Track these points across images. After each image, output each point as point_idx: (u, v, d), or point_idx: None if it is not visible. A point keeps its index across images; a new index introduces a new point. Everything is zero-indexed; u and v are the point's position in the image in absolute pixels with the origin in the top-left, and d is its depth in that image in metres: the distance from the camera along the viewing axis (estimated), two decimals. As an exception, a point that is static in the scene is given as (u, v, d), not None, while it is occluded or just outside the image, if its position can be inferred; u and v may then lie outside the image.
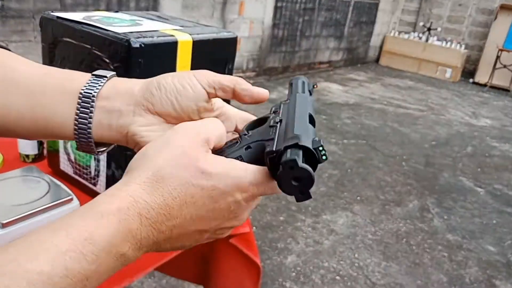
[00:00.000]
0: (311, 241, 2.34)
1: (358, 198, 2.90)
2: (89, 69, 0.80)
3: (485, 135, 4.76)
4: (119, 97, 0.40)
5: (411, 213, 2.80)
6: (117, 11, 1.05)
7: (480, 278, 2.27)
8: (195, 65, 0.93)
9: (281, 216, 2.53)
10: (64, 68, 0.45)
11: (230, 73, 1.14)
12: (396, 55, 7.75)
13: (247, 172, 0.34)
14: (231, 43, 1.06)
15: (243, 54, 5.28)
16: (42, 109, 0.40)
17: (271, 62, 5.76)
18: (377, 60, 8.05)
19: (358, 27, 7.07)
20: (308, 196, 0.32)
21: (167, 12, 4.20)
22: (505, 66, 6.90)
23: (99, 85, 0.40)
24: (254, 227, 2.38)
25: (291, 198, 2.53)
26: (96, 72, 0.41)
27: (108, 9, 3.73)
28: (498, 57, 6.93)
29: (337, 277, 2.09)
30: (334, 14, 6.36)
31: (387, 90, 6.15)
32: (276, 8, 5.39)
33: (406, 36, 7.77)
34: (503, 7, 7.24)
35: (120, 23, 0.88)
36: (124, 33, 0.79)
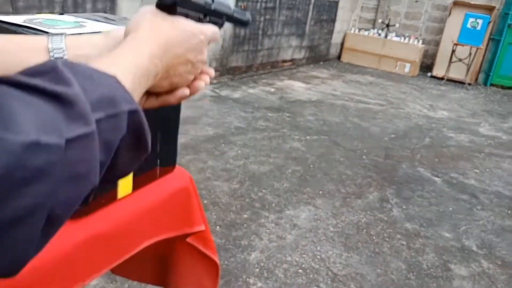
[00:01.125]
0: (274, 236, 2.39)
1: (320, 192, 2.97)
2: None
3: (442, 126, 4.96)
4: (88, 45, 0.48)
5: (371, 205, 2.89)
6: (62, 14, 1.04)
7: (436, 263, 2.38)
8: None
9: (245, 214, 2.57)
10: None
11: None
12: (357, 52, 7.95)
13: (203, 26, 0.51)
14: None
15: (205, 54, 5.28)
16: (15, 67, 0.43)
17: (234, 61, 5.79)
18: (338, 57, 8.23)
19: (319, 25, 7.20)
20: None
21: (126, 14, 4.15)
22: (460, 60, 7.21)
23: (62, 39, 0.48)
24: (218, 227, 2.40)
25: (255, 196, 2.56)
26: (51, 32, 0.47)
27: (63, 11, 3.65)
28: (453, 51, 7.22)
29: (300, 270, 2.14)
30: (295, 13, 6.45)
31: (349, 86, 6.30)
32: (236, 7, 5.41)
33: (366, 33, 7.98)
34: (456, 3, 7.57)
35: (62, 26, 0.87)
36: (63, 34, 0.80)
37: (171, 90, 0.51)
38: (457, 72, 7.37)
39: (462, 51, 7.16)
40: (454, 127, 4.97)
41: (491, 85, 7.64)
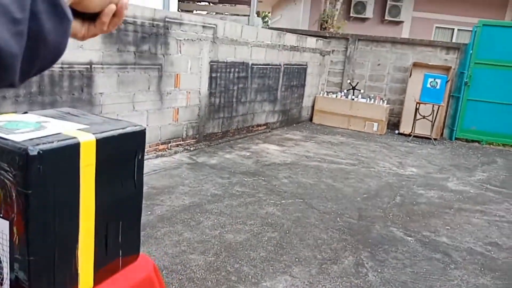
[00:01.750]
0: (252, 310, 2.38)
1: (297, 259, 3.00)
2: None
3: (412, 183, 5.14)
4: None
5: (347, 270, 2.93)
6: (26, 112, 1.09)
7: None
8: (100, 162, 0.97)
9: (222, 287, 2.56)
10: None
11: (140, 163, 1.20)
12: (327, 113, 8.31)
13: None
14: (140, 135, 1.13)
15: (182, 122, 5.43)
16: None
17: (211, 128, 5.96)
18: (310, 119, 8.56)
19: (290, 91, 7.56)
20: None
21: (103, 89, 4.29)
22: (424, 117, 7.61)
23: None
24: (195, 303, 2.38)
25: (231, 268, 2.56)
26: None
27: (40, 90, 3.76)
28: (417, 109, 7.64)
29: None
30: (266, 81, 6.79)
31: (321, 147, 6.52)
32: (211, 78, 5.68)
33: (334, 95, 8.40)
34: (415, 65, 8.13)
35: (23, 128, 0.92)
36: (23, 140, 0.83)
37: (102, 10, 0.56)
38: (423, 128, 7.75)
39: (425, 109, 7.59)
40: (423, 184, 5.15)
41: (456, 139, 8.03)
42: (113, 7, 0.56)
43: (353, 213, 4.01)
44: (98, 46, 4.17)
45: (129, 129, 1.03)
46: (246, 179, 4.65)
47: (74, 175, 0.88)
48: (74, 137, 0.89)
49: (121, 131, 1.00)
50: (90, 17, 0.56)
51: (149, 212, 3.52)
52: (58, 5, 0.43)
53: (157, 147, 5.15)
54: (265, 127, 7.18)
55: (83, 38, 0.57)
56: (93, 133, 0.93)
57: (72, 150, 0.88)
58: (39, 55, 0.42)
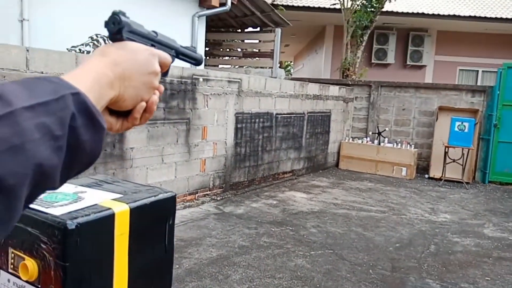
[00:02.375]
0: None
1: (329, 315, 2.89)
2: (29, 250, 0.90)
3: (446, 231, 4.95)
4: None
5: (381, 327, 2.80)
6: None
7: None
8: (133, 230, 1.03)
9: None
10: None
11: (171, 228, 1.24)
12: (353, 159, 8.25)
13: (149, 47, 0.62)
14: (171, 201, 1.18)
15: (208, 173, 5.52)
16: None
17: (237, 177, 6.01)
18: (336, 164, 8.51)
19: (314, 137, 7.61)
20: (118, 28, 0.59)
21: (134, 144, 4.45)
22: (454, 161, 7.44)
23: None
24: None
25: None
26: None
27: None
28: (446, 152, 7.50)
29: None
30: (290, 129, 6.88)
31: (349, 194, 6.43)
32: (236, 129, 5.81)
33: (359, 141, 8.38)
34: (441, 108, 8.07)
35: (61, 201, 0.98)
36: (62, 214, 0.89)
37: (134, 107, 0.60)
38: (454, 172, 7.56)
39: (455, 152, 7.44)
40: (458, 231, 4.96)
41: (490, 182, 7.77)
42: (143, 104, 0.61)
43: (385, 264, 3.88)
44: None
45: (160, 196, 1.08)
46: (273, 229, 4.60)
47: (109, 245, 0.92)
48: (109, 208, 0.95)
49: (153, 198, 1.06)
50: (124, 113, 0.62)
51: (177, 266, 3.51)
52: (94, 118, 0.48)
53: (185, 197, 5.22)
54: (291, 174, 7.18)
55: (117, 131, 0.64)
56: (127, 203, 0.99)
57: (107, 221, 0.93)
58: (77, 162, 0.47)
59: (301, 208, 5.51)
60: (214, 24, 9.26)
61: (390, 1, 9.85)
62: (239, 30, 9.74)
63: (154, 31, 0.65)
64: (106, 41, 4.44)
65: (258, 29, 9.46)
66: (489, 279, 3.68)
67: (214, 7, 6.68)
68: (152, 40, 0.64)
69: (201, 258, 3.71)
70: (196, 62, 0.76)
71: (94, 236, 0.92)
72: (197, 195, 5.40)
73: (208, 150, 5.44)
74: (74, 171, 0.48)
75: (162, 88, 0.64)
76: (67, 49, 4.42)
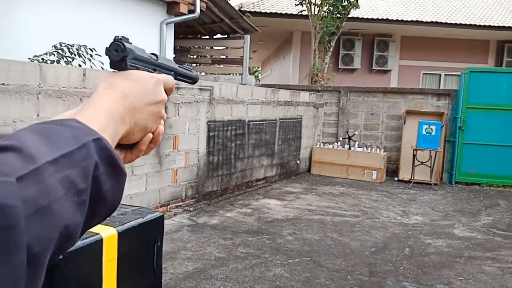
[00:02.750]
0: None
1: (310, 326, 2.86)
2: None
3: (418, 233, 5.04)
4: None
5: (363, 334, 2.79)
6: None
7: None
8: (121, 255, 0.97)
9: None
10: None
11: (159, 250, 1.18)
12: (325, 164, 8.32)
13: (153, 74, 0.58)
14: (159, 222, 1.13)
15: (180, 183, 5.39)
16: None
17: (210, 186, 5.91)
18: (308, 170, 8.56)
19: (286, 144, 7.62)
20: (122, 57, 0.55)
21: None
22: (422, 163, 7.63)
23: None
24: None
25: None
26: None
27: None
28: (414, 155, 7.68)
29: None
30: (263, 135, 6.86)
31: (322, 199, 6.45)
32: (209, 137, 5.72)
33: (330, 146, 8.46)
34: (408, 112, 8.28)
35: None
36: None
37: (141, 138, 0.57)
38: (422, 174, 7.75)
39: (423, 155, 7.63)
40: (430, 233, 5.06)
41: (456, 183, 8.01)
42: (150, 135, 0.58)
43: (363, 269, 3.89)
44: (97, 114, 4.21)
45: (148, 217, 1.04)
46: (249, 239, 4.54)
47: (98, 272, 0.86)
48: (96, 233, 0.90)
49: (140, 220, 1.01)
50: (129, 145, 0.58)
51: (152, 282, 3.38)
52: (116, 165, 0.44)
53: (156, 210, 5.07)
54: (264, 181, 7.15)
55: None
56: (115, 226, 0.94)
57: (95, 247, 0.88)
58: (97, 215, 0.43)
59: (276, 215, 5.48)
60: (182, 31, 9.14)
61: (355, 9, 10.05)
62: (208, 37, 9.66)
63: (153, 54, 0.62)
64: (71, 49, 4.27)
65: (226, 36, 9.42)
66: (462, 278, 3.76)
67: (183, 14, 6.59)
68: (154, 65, 0.60)
69: (176, 273, 3.60)
70: (192, 81, 0.72)
71: (82, 264, 0.86)
72: (169, 206, 5.26)
73: (180, 160, 5.32)
74: (92, 225, 0.43)
75: (165, 116, 0.61)
76: (29, 59, 4.22)
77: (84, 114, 0.47)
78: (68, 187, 0.38)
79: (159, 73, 0.60)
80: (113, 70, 0.56)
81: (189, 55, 9.63)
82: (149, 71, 0.59)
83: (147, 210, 1.07)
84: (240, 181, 6.50)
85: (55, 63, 4.07)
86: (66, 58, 4.09)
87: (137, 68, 0.57)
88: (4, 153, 0.35)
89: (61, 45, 4.18)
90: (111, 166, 0.43)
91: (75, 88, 3.83)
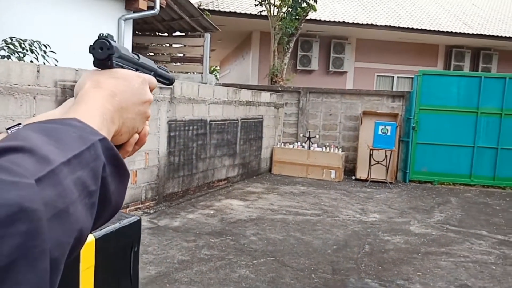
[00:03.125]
0: None
1: (278, 327, 2.85)
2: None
3: (377, 230, 5.20)
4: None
5: (330, 332, 2.82)
6: None
7: None
8: (99, 263, 0.92)
9: None
10: None
11: (136, 256, 1.13)
12: (285, 164, 8.40)
13: (139, 73, 0.58)
14: (136, 226, 1.07)
15: (140, 185, 5.23)
16: None
17: (171, 188, 5.78)
18: (269, 169, 8.61)
19: (248, 144, 7.61)
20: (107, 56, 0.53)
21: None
22: (378, 162, 7.89)
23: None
24: None
25: None
26: (8, 127, 0.48)
27: None
28: (371, 155, 7.93)
29: None
30: (225, 135, 6.80)
31: (284, 199, 6.50)
32: (169, 137, 5.59)
33: (291, 146, 8.55)
34: (365, 113, 8.52)
35: None
36: None
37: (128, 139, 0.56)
38: (378, 173, 8.01)
39: (379, 154, 7.89)
40: (388, 230, 5.23)
41: (410, 181, 8.36)
42: (136, 136, 0.57)
43: (326, 267, 3.95)
44: (52, 113, 4.00)
45: (125, 222, 0.99)
46: (213, 240, 4.48)
47: (75, 282, 0.79)
48: None
49: (118, 225, 0.96)
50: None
51: (114, 288, 3.25)
52: (120, 165, 0.43)
53: (133, 214, 4.88)
54: (226, 181, 7.10)
55: None
56: (92, 232, 0.86)
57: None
58: (101, 218, 0.41)
59: (239, 216, 5.45)
60: (139, 28, 8.89)
61: (313, 12, 10.21)
62: (166, 34, 9.46)
63: (135, 53, 0.61)
64: (23, 45, 4.02)
65: (185, 34, 9.27)
66: (420, 274, 3.91)
67: (142, 10, 6.39)
68: (136, 64, 0.60)
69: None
70: (169, 82, 0.72)
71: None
72: (128, 209, 5.09)
73: (139, 161, 5.16)
74: (94, 228, 0.41)
75: (150, 116, 0.60)
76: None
77: (79, 114, 0.46)
78: (81, 189, 0.37)
79: (141, 72, 0.60)
80: (97, 68, 0.55)
81: (146, 53, 9.38)
82: (132, 70, 0.58)
83: (124, 215, 1.01)
84: (201, 182, 6.41)
85: (6, 58, 3.81)
86: (18, 54, 3.85)
87: (122, 67, 0.56)
88: (15, 154, 0.34)
89: (12, 40, 3.92)
90: (116, 166, 0.42)
91: (29, 85, 3.61)
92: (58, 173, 0.34)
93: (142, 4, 6.31)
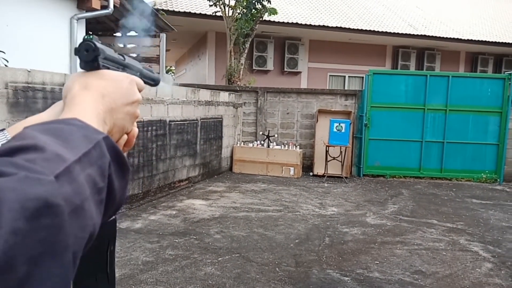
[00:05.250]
0: None
1: (247, 319, 2.92)
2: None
3: (336, 223, 5.40)
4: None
5: (298, 321, 2.93)
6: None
7: None
8: None
9: None
10: None
11: (112, 255, 1.14)
12: (246, 162, 8.49)
13: (126, 74, 0.58)
14: (111, 225, 1.08)
15: (99, 188, 5.11)
16: None
17: (130, 190, 5.69)
18: (230, 168, 8.66)
19: (208, 143, 7.62)
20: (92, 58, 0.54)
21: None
22: (334, 158, 8.17)
23: (5, 137, 0.49)
24: None
25: None
26: None
27: None
28: (327, 151, 8.19)
29: None
30: (185, 136, 6.78)
31: (246, 196, 6.59)
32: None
33: (250, 145, 8.66)
34: (320, 111, 8.79)
35: None
36: None
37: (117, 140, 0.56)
38: (334, 168, 8.30)
39: (334, 151, 8.17)
40: (346, 222, 5.45)
41: (364, 175, 8.72)
42: (125, 137, 0.58)
43: (289, 260, 4.07)
44: (4, 116, 3.83)
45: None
46: (177, 240, 4.47)
47: None
48: None
49: None
50: None
51: (78, 293, 3.18)
52: (123, 162, 0.45)
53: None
54: (187, 182, 7.07)
55: None
56: None
57: None
58: (107, 213, 0.43)
59: (202, 215, 5.47)
60: (91, 27, 8.63)
61: (274, 15, 10.37)
62: (120, 34, 9.24)
63: (121, 54, 0.61)
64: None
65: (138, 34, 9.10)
66: (378, 262, 4.12)
67: (95, 9, 6.23)
68: (122, 65, 0.60)
69: (104, 281, 3.42)
70: (154, 83, 0.72)
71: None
72: (88, 212, 4.96)
73: (98, 163, 5.04)
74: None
75: (139, 116, 0.61)
76: None
77: (75, 115, 0.46)
78: (91, 186, 0.37)
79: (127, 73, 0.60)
80: (83, 70, 0.55)
81: (100, 53, 9.12)
82: (118, 71, 0.58)
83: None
84: (162, 183, 6.36)
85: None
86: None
87: (108, 68, 0.56)
88: (29, 153, 0.34)
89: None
90: (119, 163, 0.44)
91: (-21, 86, 3.44)
92: (72, 170, 0.35)
93: (95, 4, 6.15)
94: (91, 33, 0.58)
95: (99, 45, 0.53)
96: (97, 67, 0.54)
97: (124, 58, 0.61)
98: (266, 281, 3.57)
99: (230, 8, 10.26)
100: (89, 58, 0.53)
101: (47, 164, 0.34)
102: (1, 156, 0.34)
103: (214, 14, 10.82)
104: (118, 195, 0.44)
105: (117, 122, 0.54)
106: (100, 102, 0.51)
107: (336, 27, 12.35)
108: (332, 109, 8.84)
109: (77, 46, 0.53)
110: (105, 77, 0.54)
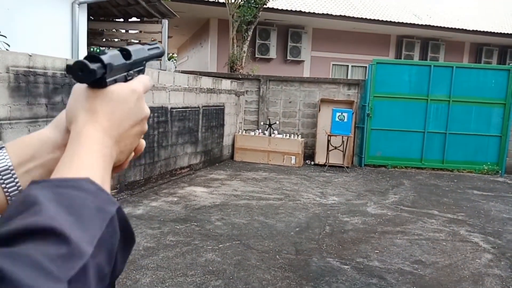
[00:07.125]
0: None
1: (247, 305, 2.94)
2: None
3: (336, 212, 5.41)
4: (36, 143, 0.50)
5: (297, 308, 2.95)
6: None
7: None
8: None
9: None
10: None
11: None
12: (247, 150, 8.49)
13: (132, 83, 0.53)
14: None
15: (101, 173, 5.12)
16: None
17: (132, 176, 5.70)
18: (232, 157, 8.66)
19: (210, 131, 7.61)
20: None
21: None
22: (336, 148, 8.15)
23: (4, 157, 0.47)
24: None
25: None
26: None
27: None
28: (328, 141, 8.17)
29: None
30: (186, 123, 6.76)
31: (247, 185, 6.60)
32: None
33: (252, 133, 8.64)
34: (323, 100, 8.75)
35: None
36: None
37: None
38: (336, 158, 8.29)
39: (336, 140, 8.16)
40: (346, 211, 5.46)
41: (365, 165, 8.71)
42: (132, 155, 0.56)
43: (290, 248, 4.08)
44: (5, 101, 3.82)
45: None
46: (178, 227, 4.49)
47: None
48: None
49: None
50: None
51: (79, 277, 3.20)
52: (131, 236, 0.42)
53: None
54: (188, 169, 7.08)
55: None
56: None
57: None
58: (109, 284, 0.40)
59: (203, 202, 5.48)
60: (92, 13, 8.56)
61: (269, 1, 10.25)
62: (122, 20, 9.17)
63: (124, 49, 0.55)
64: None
65: (141, 19, 9.03)
66: (378, 251, 4.14)
67: (97, -6, 6.17)
68: (127, 68, 0.54)
69: (105, 266, 3.44)
70: (160, 56, 0.66)
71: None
72: (89, 198, 4.97)
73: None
74: None
75: (146, 129, 0.57)
76: None
77: (81, 161, 0.43)
78: (97, 277, 0.35)
79: (133, 74, 0.55)
80: (85, 85, 0.50)
81: (102, 38, 9.07)
82: (125, 77, 0.53)
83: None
84: (164, 170, 6.36)
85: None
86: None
87: (115, 81, 0.51)
88: (46, 241, 0.32)
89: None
90: (126, 238, 0.41)
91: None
92: (87, 269, 0.34)
93: (97, -12, 6.08)
94: (100, 46, 0.51)
95: (106, 59, 0.47)
96: (104, 86, 0.49)
97: (129, 53, 0.54)
98: (266, 268, 3.58)
99: (233, -5, 10.15)
100: (94, 77, 0.46)
101: (65, 264, 0.32)
102: (16, 238, 0.32)
103: (216, 0, 10.72)
104: (118, 268, 0.40)
105: (125, 149, 0.51)
106: (108, 134, 0.47)
107: (340, 15, 12.22)
108: (335, 99, 8.80)
109: (70, 64, 0.46)
110: (113, 98, 0.49)
